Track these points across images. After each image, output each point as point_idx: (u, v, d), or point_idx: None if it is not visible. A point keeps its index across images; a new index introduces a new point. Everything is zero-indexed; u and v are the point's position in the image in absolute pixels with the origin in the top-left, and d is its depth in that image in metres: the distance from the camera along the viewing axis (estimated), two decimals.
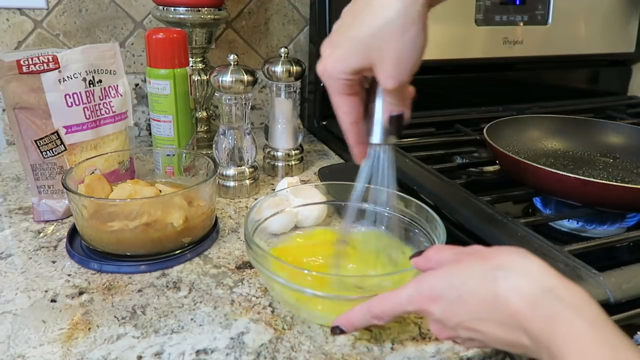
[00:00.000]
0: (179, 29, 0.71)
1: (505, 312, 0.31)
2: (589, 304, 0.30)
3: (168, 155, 0.68)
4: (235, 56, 0.66)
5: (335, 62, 0.39)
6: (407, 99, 0.41)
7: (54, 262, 0.53)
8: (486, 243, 0.53)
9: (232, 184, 0.69)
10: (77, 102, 0.60)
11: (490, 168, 0.75)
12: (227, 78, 0.65)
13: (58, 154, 0.60)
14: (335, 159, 0.85)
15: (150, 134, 0.79)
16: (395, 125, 0.42)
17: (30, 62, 0.56)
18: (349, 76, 0.39)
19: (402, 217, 0.52)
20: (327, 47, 0.40)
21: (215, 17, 0.77)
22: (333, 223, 0.57)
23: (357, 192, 0.45)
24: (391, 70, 0.37)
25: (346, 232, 0.50)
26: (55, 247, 0.56)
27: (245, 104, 0.67)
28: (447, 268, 0.36)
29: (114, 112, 0.65)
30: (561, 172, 0.57)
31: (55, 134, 0.59)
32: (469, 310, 0.33)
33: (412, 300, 0.36)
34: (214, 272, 0.52)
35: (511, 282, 0.32)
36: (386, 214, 0.52)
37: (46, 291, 0.48)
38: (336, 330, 0.40)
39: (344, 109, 0.41)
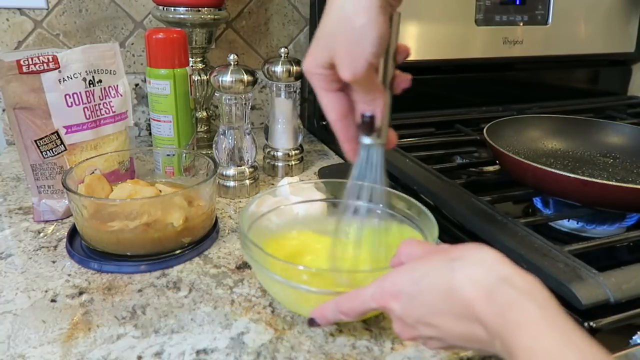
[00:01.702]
0: (179, 29, 0.71)
1: (460, 302, 0.32)
2: (541, 291, 0.31)
3: (168, 155, 0.68)
4: (235, 56, 0.66)
5: (308, 58, 0.40)
6: (378, 100, 0.41)
7: (54, 262, 0.53)
8: (486, 243, 0.53)
9: (232, 184, 0.69)
10: (77, 102, 0.60)
11: (490, 168, 0.76)
12: (227, 78, 0.65)
13: (58, 154, 0.60)
14: (335, 159, 0.85)
15: (150, 134, 0.79)
16: (366, 126, 0.41)
17: (30, 62, 0.56)
18: (320, 70, 0.39)
19: (394, 214, 0.52)
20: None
21: (215, 17, 0.77)
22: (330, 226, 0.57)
23: (347, 190, 0.45)
24: (344, 60, 0.37)
25: (343, 230, 0.50)
26: (55, 247, 0.56)
27: (245, 104, 0.67)
28: (410, 264, 0.36)
29: (114, 112, 0.65)
30: (561, 172, 0.57)
31: (55, 134, 0.59)
32: (427, 304, 0.34)
33: (375, 297, 0.36)
34: (214, 272, 0.52)
35: (466, 271, 0.32)
36: (379, 211, 0.52)
37: (46, 291, 0.48)
38: (313, 322, 0.40)
39: (327, 105, 0.41)
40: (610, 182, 0.56)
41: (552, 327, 0.28)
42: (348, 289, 0.40)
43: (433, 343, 0.36)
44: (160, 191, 0.58)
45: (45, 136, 0.58)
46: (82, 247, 0.55)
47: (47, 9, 0.83)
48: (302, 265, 0.43)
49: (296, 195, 0.55)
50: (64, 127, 0.59)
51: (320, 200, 0.56)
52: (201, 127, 0.85)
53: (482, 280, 0.31)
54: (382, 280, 0.36)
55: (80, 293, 0.48)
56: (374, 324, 0.45)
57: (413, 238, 0.40)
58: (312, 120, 0.98)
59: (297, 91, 0.75)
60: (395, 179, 0.70)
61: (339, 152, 0.87)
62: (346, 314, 0.38)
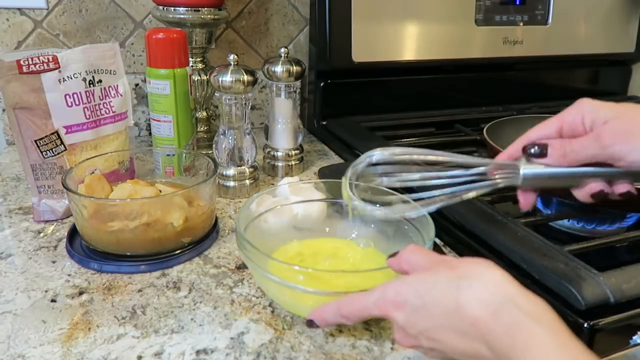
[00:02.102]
0: (179, 29, 0.71)
1: (465, 320, 0.32)
2: (547, 313, 0.31)
3: (168, 155, 0.68)
4: (235, 56, 0.66)
5: None
6: None
7: (54, 262, 0.53)
8: (486, 243, 0.53)
9: (232, 184, 0.69)
10: (77, 102, 0.60)
11: None
12: (227, 78, 0.65)
13: (58, 154, 0.60)
14: (335, 159, 0.85)
15: (150, 134, 0.79)
16: None
17: (30, 62, 0.56)
18: None
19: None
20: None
21: (215, 17, 0.77)
22: (334, 230, 0.57)
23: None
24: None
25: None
26: (55, 247, 0.56)
27: (245, 104, 0.67)
28: (415, 275, 0.36)
29: (114, 112, 0.65)
30: None
31: (55, 134, 0.59)
32: (431, 319, 0.34)
33: (377, 305, 0.36)
34: (214, 272, 0.52)
35: (473, 290, 0.32)
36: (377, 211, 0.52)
37: (46, 291, 0.48)
38: (312, 324, 0.40)
39: None
40: None
41: (560, 350, 0.29)
42: (345, 290, 0.40)
43: (433, 354, 0.36)
44: (160, 191, 0.58)
45: (45, 136, 0.58)
46: (82, 247, 0.55)
47: (47, 9, 0.83)
48: (298, 265, 0.43)
49: (296, 195, 0.55)
50: (64, 127, 0.59)
51: (320, 200, 0.56)
52: (201, 127, 0.85)
53: (489, 299, 0.32)
54: (385, 287, 0.36)
55: (80, 293, 0.48)
56: (374, 324, 0.45)
57: (417, 245, 0.40)
58: (312, 120, 0.98)
59: (297, 91, 0.75)
60: None
61: (339, 152, 0.87)
62: (347, 318, 0.38)
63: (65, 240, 0.56)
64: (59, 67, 0.58)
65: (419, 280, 0.35)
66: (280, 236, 0.53)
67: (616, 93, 1.17)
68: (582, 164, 0.41)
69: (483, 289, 0.32)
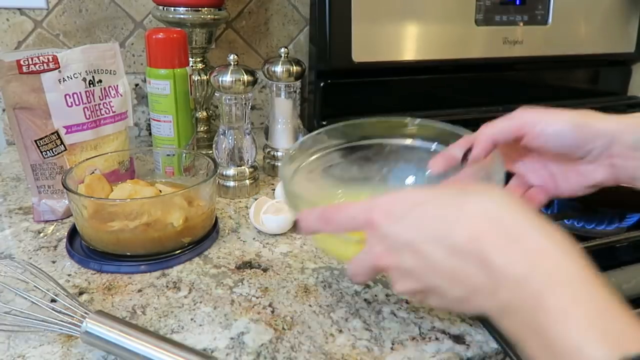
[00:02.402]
0: (179, 29, 0.71)
1: (464, 233, 0.28)
2: (571, 244, 0.28)
3: (168, 155, 0.68)
4: (235, 56, 0.66)
5: None
6: None
7: (54, 262, 0.53)
8: None
9: (232, 184, 0.69)
10: (77, 102, 0.60)
11: None
12: (227, 78, 0.65)
13: (58, 154, 0.60)
14: None
15: (150, 134, 0.79)
16: None
17: (30, 62, 0.56)
18: None
19: None
20: None
21: (215, 17, 0.77)
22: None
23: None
24: None
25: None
26: (55, 247, 0.56)
27: (245, 104, 0.67)
28: (417, 188, 0.34)
29: (114, 112, 0.65)
30: None
31: (55, 134, 0.59)
32: (424, 229, 0.30)
33: (364, 210, 0.32)
34: (214, 272, 0.52)
35: (479, 203, 0.29)
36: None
37: (47, 291, 0.48)
38: (297, 227, 0.37)
39: None
40: None
41: (595, 290, 0.25)
42: None
43: (411, 283, 0.31)
44: (160, 191, 0.58)
45: (45, 136, 0.58)
46: (82, 247, 0.55)
47: (47, 9, 0.83)
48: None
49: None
50: (64, 127, 0.59)
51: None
52: (201, 127, 0.85)
53: (495, 213, 0.28)
54: (379, 195, 0.33)
55: (81, 293, 0.48)
56: (374, 324, 0.45)
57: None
58: (312, 120, 0.98)
59: (297, 91, 0.75)
60: None
61: None
62: (329, 223, 0.35)
63: (65, 240, 0.56)
64: (59, 67, 0.58)
65: (419, 191, 0.32)
66: (327, 190, 0.51)
67: (616, 93, 1.17)
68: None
69: (490, 201, 0.28)
